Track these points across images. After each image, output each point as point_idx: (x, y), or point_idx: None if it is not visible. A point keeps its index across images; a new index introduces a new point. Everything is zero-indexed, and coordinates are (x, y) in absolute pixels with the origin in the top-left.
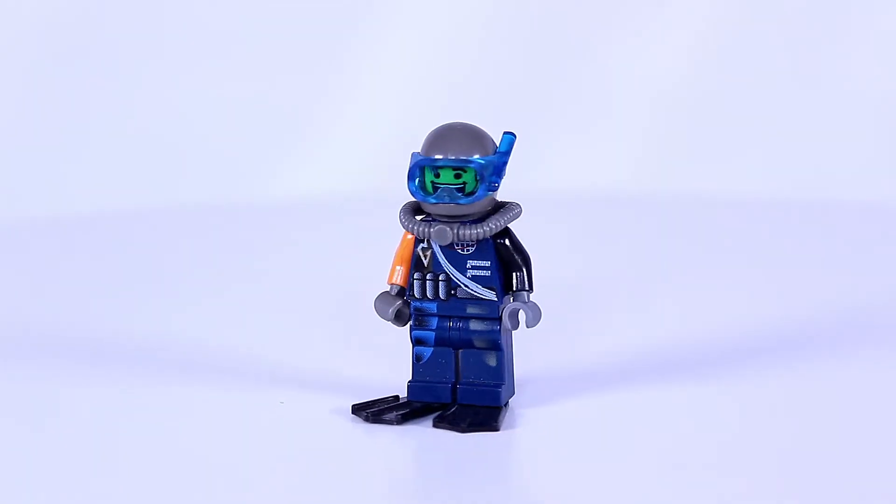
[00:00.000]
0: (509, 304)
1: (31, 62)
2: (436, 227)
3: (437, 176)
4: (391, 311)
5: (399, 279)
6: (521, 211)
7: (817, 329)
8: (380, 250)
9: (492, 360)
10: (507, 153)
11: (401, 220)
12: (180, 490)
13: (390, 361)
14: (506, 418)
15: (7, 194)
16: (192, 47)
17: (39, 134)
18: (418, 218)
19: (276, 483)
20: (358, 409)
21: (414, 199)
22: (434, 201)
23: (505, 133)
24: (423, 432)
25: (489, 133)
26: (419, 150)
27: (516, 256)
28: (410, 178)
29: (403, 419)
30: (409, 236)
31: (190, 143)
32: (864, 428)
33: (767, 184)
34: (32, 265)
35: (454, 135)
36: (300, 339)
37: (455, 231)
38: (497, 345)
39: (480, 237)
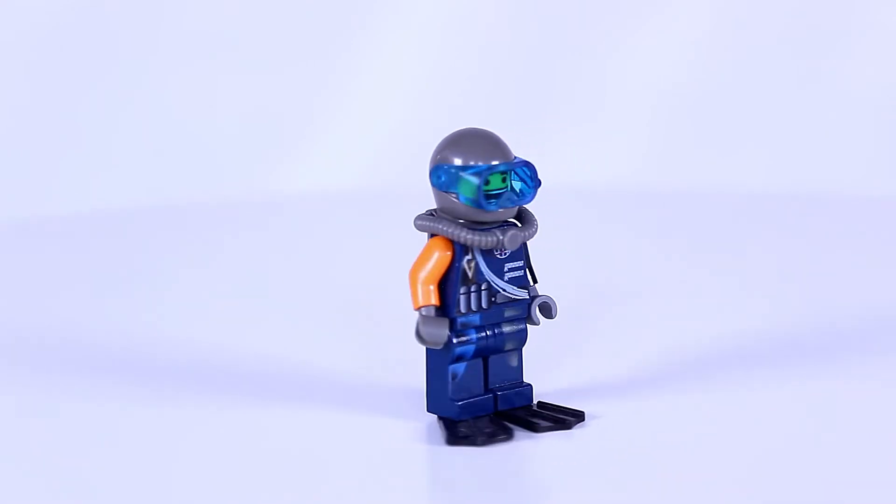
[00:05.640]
0: (538, 297)
1: (31, 60)
2: (509, 233)
3: (487, 183)
4: (446, 332)
5: (434, 299)
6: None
7: (814, 331)
8: (381, 245)
9: (514, 361)
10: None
11: (451, 234)
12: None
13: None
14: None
15: (11, 193)
16: (195, 43)
17: (52, 131)
18: (466, 229)
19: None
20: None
21: (429, 210)
22: (496, 207)
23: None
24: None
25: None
26: (445, 161)
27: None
28: (468, 188)
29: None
30: (446, 252)
31: (190, 140)
32: None
33: (770, 179)
34: (41, 265)
35: (492, 139)
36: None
37: (510, 235)
38: (523, 343)
39: (532, 237)
